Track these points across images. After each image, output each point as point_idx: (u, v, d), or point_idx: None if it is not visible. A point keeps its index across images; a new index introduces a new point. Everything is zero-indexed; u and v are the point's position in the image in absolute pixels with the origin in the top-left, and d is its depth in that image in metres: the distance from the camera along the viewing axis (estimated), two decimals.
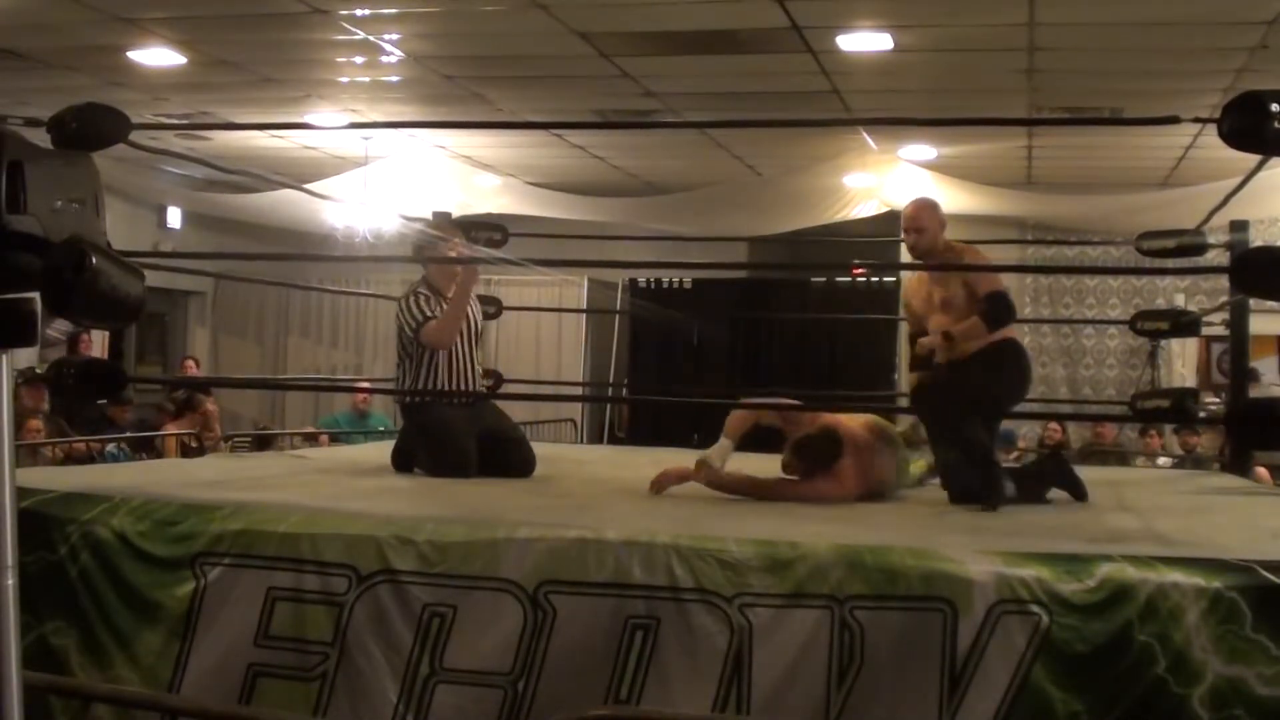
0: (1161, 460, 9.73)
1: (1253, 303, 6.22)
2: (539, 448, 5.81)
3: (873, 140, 10.21)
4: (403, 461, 5.28)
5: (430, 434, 5.16)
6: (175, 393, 10.18)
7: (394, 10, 7.29)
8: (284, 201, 11.41)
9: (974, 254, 5.08)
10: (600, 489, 4.77)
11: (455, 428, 5.11)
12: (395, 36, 7.78)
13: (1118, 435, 11.04)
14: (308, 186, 9.95)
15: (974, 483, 4.39)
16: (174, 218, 13.05)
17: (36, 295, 1.56)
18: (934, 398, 4.67)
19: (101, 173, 1.72)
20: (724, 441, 4.58)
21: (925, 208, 4.92)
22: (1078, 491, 4.66)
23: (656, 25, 7.35)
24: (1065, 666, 2.93)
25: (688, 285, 12.71)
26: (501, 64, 8.36)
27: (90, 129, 3.50)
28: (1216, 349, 11.12)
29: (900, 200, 10.97)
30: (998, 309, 4.58)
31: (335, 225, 11.16)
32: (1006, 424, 11.24)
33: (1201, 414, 7.06)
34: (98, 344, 11.08)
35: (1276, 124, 3.11)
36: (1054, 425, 10.72)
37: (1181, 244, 5.59)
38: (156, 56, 8.25)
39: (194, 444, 8.65)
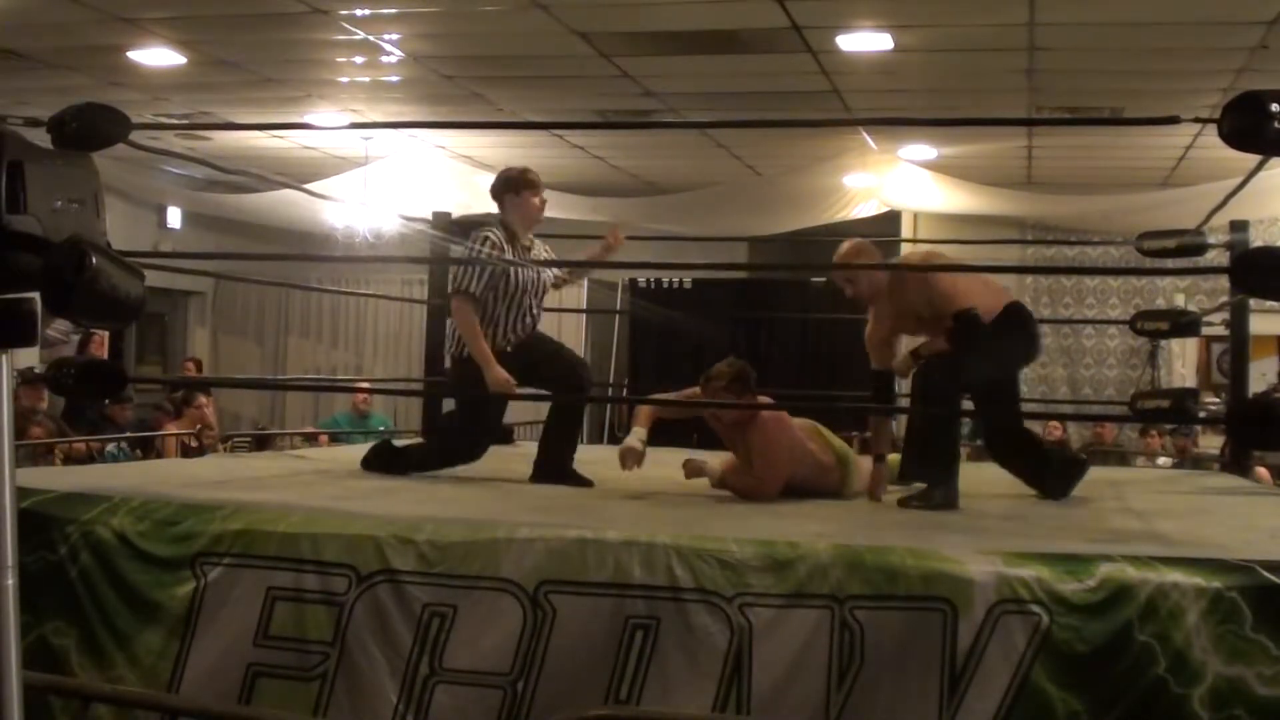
0: (1161, 460, 9.74)
1: (1253, 303, 6.22)
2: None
3: (873, 140, 10.21)
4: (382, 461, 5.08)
5: (460, 406, 5.02)
6: (175, 393, 10.19)
7: (394, 10, 7.30)
8: (284, 201, 11.41)
9: (930, 269, 4.70)
10: (600, 489, 4.76)
11: (479, 418, 4.97)
12: (395, 36, 7.79)
13: (1118, 435, 11.04)
14: (308, 186, 9.95)
15: (930, 462, 4.38)
16: (174, 218, 13.06)
17: (36, 295, 1.55)
18: (933, 372, 4.50)
19: (101, 173, 1.72)
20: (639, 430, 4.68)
21: (846, 257, 4.62)
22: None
23: (656, 25, 7.35)
24: (1065, 666, 2.93)
25: (688, 285, 12.71)
26: (501, 64, 8.36)
27: (90, 129, 3.49)
28: (1216, 349, 11.13)
29: (900, 200, 11.03)
30: (967, 332, 4.40)
31: (335, 225, 11.17)
32: None
33: (1201, 414, 7.05)
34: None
35: (1276, 124, 3.10)
36: (1054, 424, 10.73)
37: (1181, 244, 5.58)
38: (156, 56, 8.25)
39: (194, 444, 8.66)
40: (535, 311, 5.06)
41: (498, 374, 4.79)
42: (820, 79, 8.30)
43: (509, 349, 4.92)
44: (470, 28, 7.57)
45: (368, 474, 5.01)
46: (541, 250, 5.23)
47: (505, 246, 4.95)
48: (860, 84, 8.49)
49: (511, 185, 5.08)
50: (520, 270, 4.92)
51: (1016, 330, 4.68)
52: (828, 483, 4.65)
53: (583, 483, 4.87)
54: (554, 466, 4.95)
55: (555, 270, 5.17)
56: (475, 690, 3.19)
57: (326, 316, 14.02)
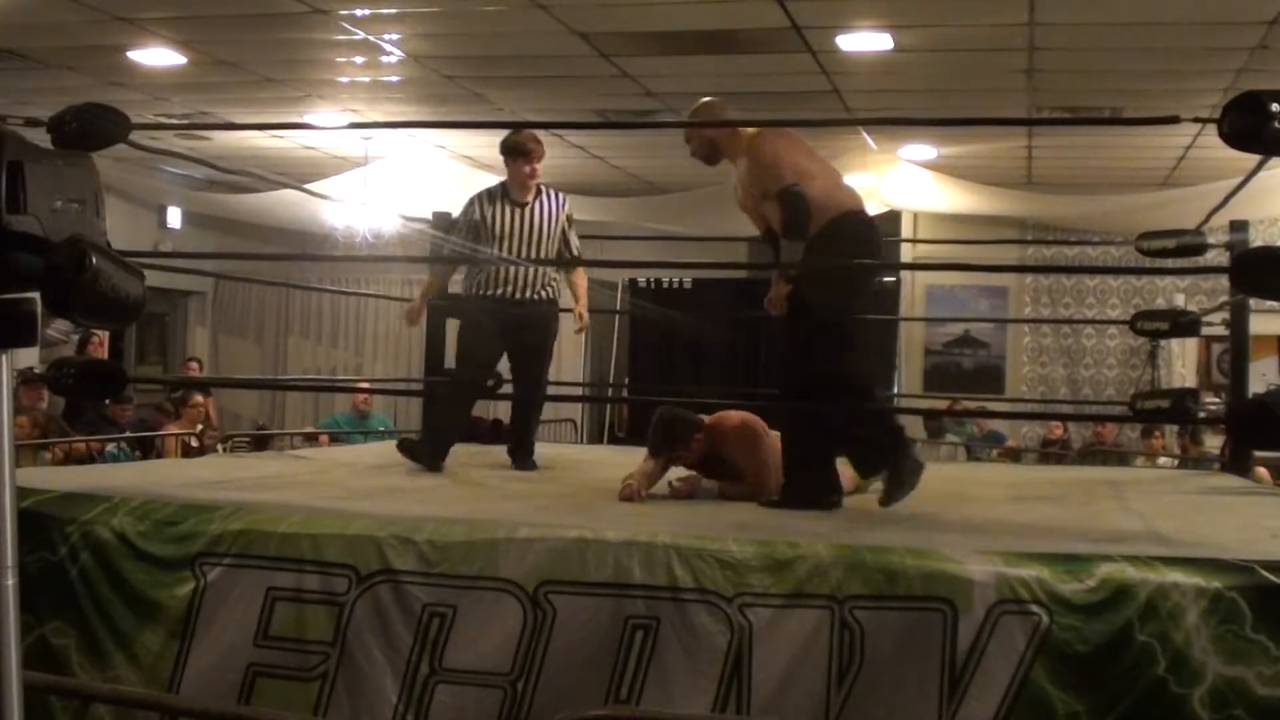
0: (1162, 460, 9.74)
1: (1253, 303, 6.22)
2: (540, 448, 5.84)
3: (873, 140, 10.21)
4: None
5: (458, 337, 5.64)
6: (175, 393, 10.19)
7: (394, 10, 7.29)
8: (284, 201, 11.41)
9: (763, 141, 4.34)
10: (600, 489, 4.76)
11: (474, 345, 5.48)
12: (395, 36, 7.78)
13: (1118, 435, 11.05)
14: (308, 186, 9.95)
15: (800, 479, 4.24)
16: (174, 218, 13.06)
17: (36, 295, 1.55)
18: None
19: (101, 173, 1.72)
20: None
21: (692, 113, 4.64)
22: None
23: (656, 25, 7.35)
24: (1065, 666, 2.93)
25: (688, 285, 12.72)
26: (501, 64, 8.36)
27: (90, 129, 3.50)
28: (1216, 349, 11.13)
29: (900, 200, 11.02)
30: (790, 213, 4.08)
31: (335, 225, 11.16)
32: (995, 425, 11.30)
33: (1201, 414, 7.05)
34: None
35: (1276, 124, 3.10)
36: (1055, 424, 10.75)
37: (1181, 244, 5.58)
38: (156, 56, 8.25)
39: (194, 444, 8.65)
40: (526, 255, 5.47)
41: (412, 304, 5.79)
42: (820, 79, 8.29)
43: (487, 292, 5.48)
44: (470, 28, 7.57)
45: (374, 471, 5.07)
46: (548, 206, 5.62)
47: (492, 204, 5.53)
48: (860, 84, 8.49)
49: (503, 151, 5.68)
50: (500, 222, 5.48)
51: (848, 248, 4.15)
52: None
53: (527, 465, 5.51)
54: (515, 441, 5.72)
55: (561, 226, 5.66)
56: (475, 690, 3.19)
57: (326, 316, 14.02)
